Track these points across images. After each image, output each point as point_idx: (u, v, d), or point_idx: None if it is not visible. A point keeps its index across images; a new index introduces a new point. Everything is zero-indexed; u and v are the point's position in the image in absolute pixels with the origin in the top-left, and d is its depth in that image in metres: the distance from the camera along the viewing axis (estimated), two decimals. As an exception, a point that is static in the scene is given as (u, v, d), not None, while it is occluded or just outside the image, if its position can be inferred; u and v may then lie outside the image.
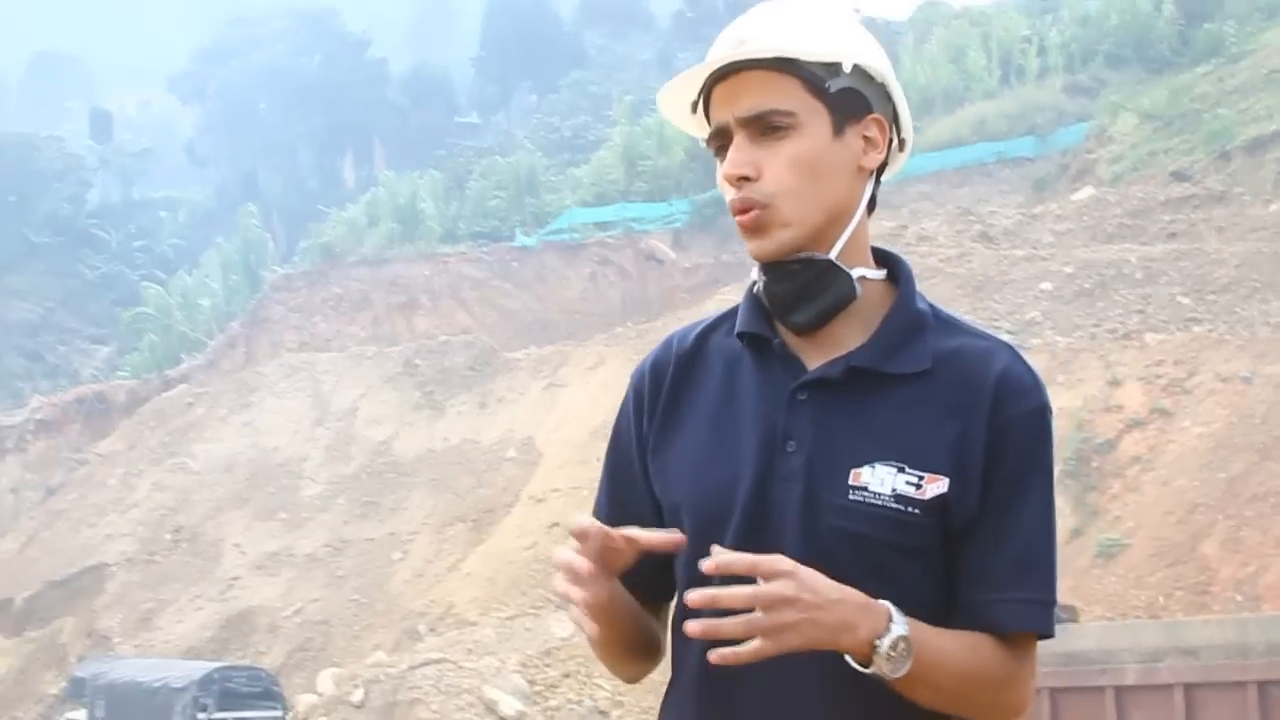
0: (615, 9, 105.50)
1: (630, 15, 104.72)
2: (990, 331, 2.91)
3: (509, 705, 26.92)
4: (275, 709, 29.11)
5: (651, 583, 2.95)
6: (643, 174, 64.26)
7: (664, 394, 2.99)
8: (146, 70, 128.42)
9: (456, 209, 66.24)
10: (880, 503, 2.72)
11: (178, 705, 29.03)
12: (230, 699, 28.98)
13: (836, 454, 2.76)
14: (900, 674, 2.59)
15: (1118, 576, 25.20)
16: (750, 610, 2.51)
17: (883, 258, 2.93)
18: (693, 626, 2.54)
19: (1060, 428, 27.47)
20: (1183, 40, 59.95)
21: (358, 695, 27.76)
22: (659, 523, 2.91)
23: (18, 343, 79.43)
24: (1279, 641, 16.37)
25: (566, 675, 28.53)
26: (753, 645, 2.51)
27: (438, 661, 28.10)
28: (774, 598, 2.50)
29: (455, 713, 26.65)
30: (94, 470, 45.93)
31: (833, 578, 2.61)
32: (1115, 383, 29.60)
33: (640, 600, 2.96)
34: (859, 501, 2.72)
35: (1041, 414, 2.78)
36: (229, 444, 43.02)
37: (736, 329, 2.94)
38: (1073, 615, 20.73)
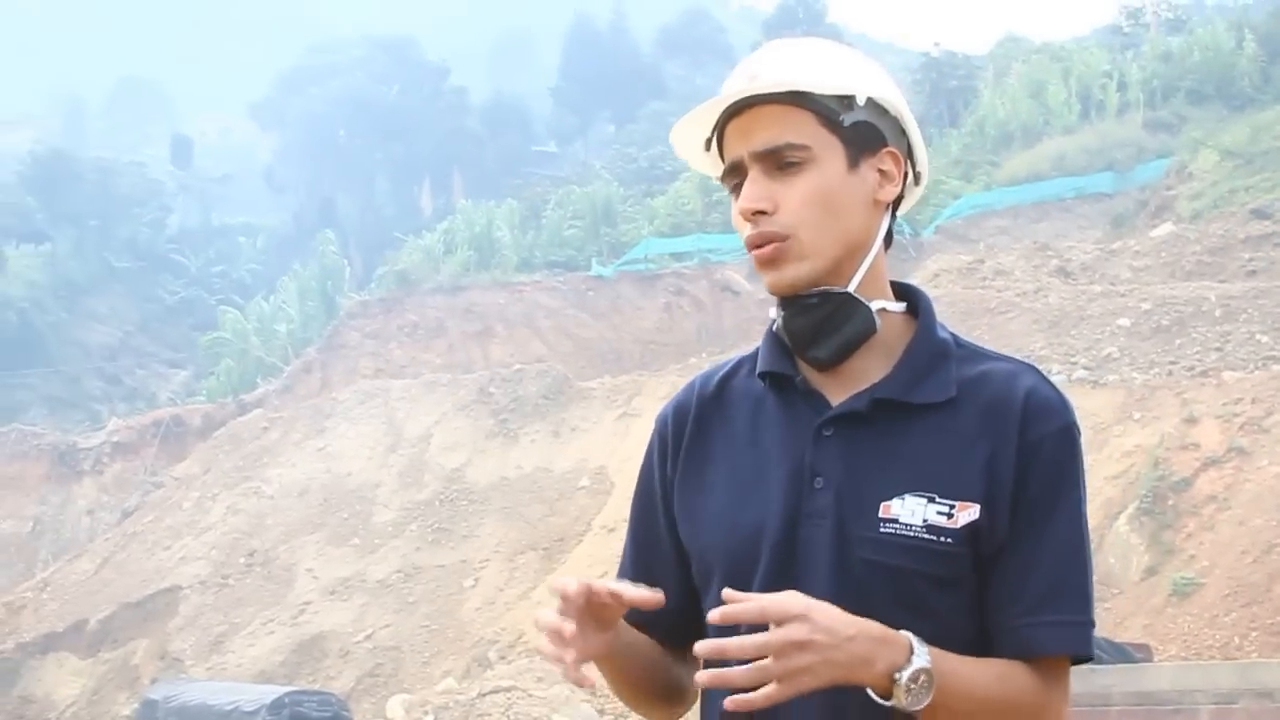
0: (694, 40, 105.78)
1: (709, 46, 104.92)
2: (1013, 355, 2.90)
3: (578, 735, 26.89)
4: (345, 734, 29.19)
5: (674, 628, 2.96)
6: (719, 205, 64.24)
7: (686, 439, 3.00)
8: (227, 97, 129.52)
9: (533, 238, 66.42)
10: (912, 534, 2.71)
11: (248, 729, 29.15)
12: (300, 723, 29.08)
13: (865, 488, 2.75)
14: (921, 706, 2.57)
15: (1192, 616, 24.99)
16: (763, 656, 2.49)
17: (902, 291, 2.93)
18: (702, 678, 2.55)
19: (1136, 465, 27.38)
20: (1265, 78, 59.67)
21: (427, 722, 27.80)
22: (685, 570, 2.94)
23: (96, 366, 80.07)
24: None
25: (636, 705, 28.47)
26: (766, 691, 2.49)
27: (507, 689, 28.10)
28: (785, 643, 2.49)
29: (524, 741, 26.66)
30: (169, 493, 46.20)
31: (866, 613, 2.60)
32: (1192, 420, 29.36)
33: (669, 647, 2.98)
34: (890, 534, 2.71)
35: (1069, 433, 2.76)
36: (303, 469, 43.19)
37: (758, 369, 2.94)
38: (1147, 655, 20.56)
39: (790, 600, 2.51)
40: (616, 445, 37.88)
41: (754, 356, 2.97)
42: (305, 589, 38.22)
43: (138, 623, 40.00)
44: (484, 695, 27.90)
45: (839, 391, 2.83)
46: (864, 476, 2.75)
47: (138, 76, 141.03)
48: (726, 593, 2.57)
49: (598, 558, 33.42)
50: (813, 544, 2.76)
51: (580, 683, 2.77)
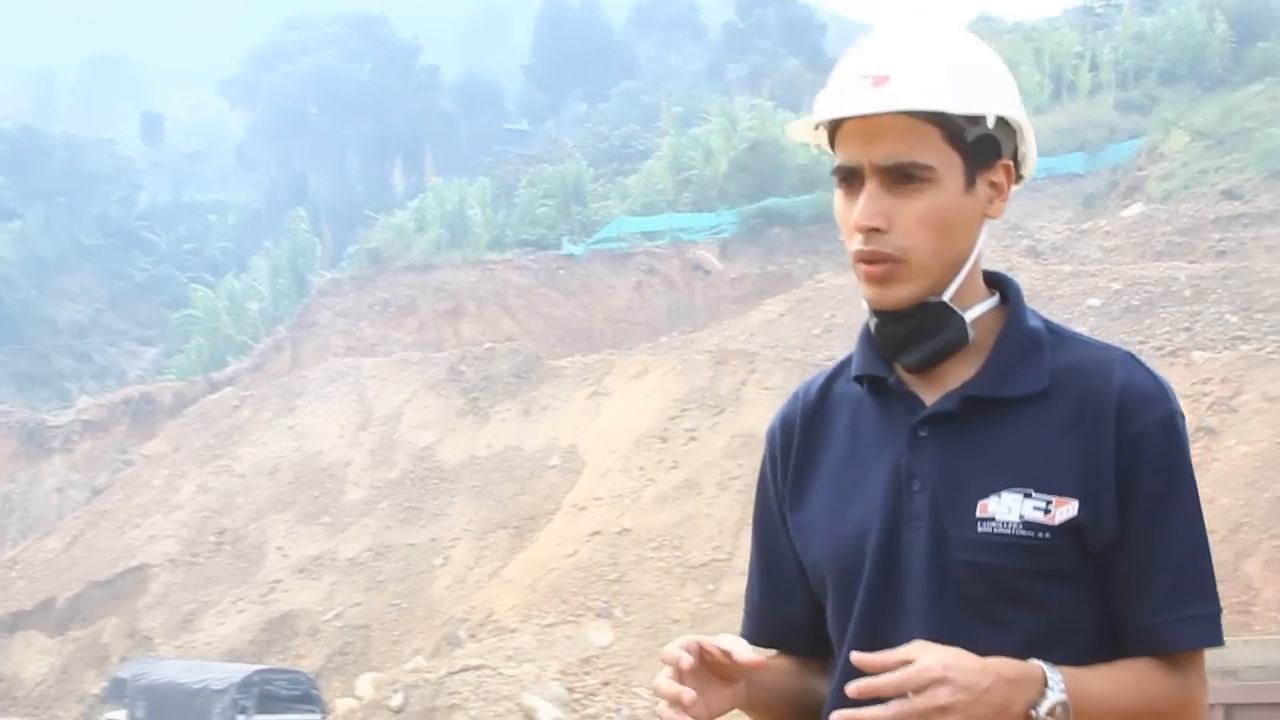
0: (667, 19, 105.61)
1: (682, 25, 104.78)
2: (1110, 343, 2.85)
3: (547, 712, 26.91)
4: (314, 712, 29.18)
5: (807, 641, 2.95)
6: (690, 184, 64.23)
7: (794, 449, 2.97)
8: (198, 74, 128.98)
9: (504, 216, 66.30)
10: (1009, 531, 2.67)
11: (217, 707, 29.11)
12: (270, 702, 29.05)
13: (961, 487, 2.72)
14: None
15: (1161, 595, 25.06)
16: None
17: (993, 280, 2.88)
18: None
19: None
20: (1236, 59, 59.80)
21: (397, 700, 27.80)
22: (806, 581, 2.91)
23: (66, 343, 79.81)
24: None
25: (605, 683, 28.51)
26: None
27: (477, 668, 28.12)
28: (928, 709, 2.48)
29: (493, 719, 26.67)
30: (139, 471, 46.12)
31: (970, 614, 2.63)
32: (1161, 401, 29.42)
33: (805, 658, 2.96)
34: (987, 533, 2.68)
35: (1171, 421, 2.72)
36: (273, 447, 43.13)
37: (853, 372, 2.90)
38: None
39: (927, 666, 2.49)
40: (587, 424, 37.88)
41: (851, 360, 2.93)
42: (275, 567, 38.19)
43: (107, 601, 39.93)
44: (453, 674, 27.91)
45: (933, 391, 2.79)
46: (959, 477, 2.72)
47: (108, 53, 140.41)
48: (856, 657, 2.56)
49: (568, 536, 33.44)
50: (913, 548, 2.74)
51: None
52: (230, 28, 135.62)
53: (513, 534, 35.46)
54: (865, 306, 2.84)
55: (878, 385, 2.85)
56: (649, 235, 60.77)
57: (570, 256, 59.49)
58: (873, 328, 2.84)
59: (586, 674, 28.73)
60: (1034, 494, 2.67)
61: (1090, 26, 74.01)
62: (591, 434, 37.29)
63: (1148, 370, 2.77)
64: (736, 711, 2.83)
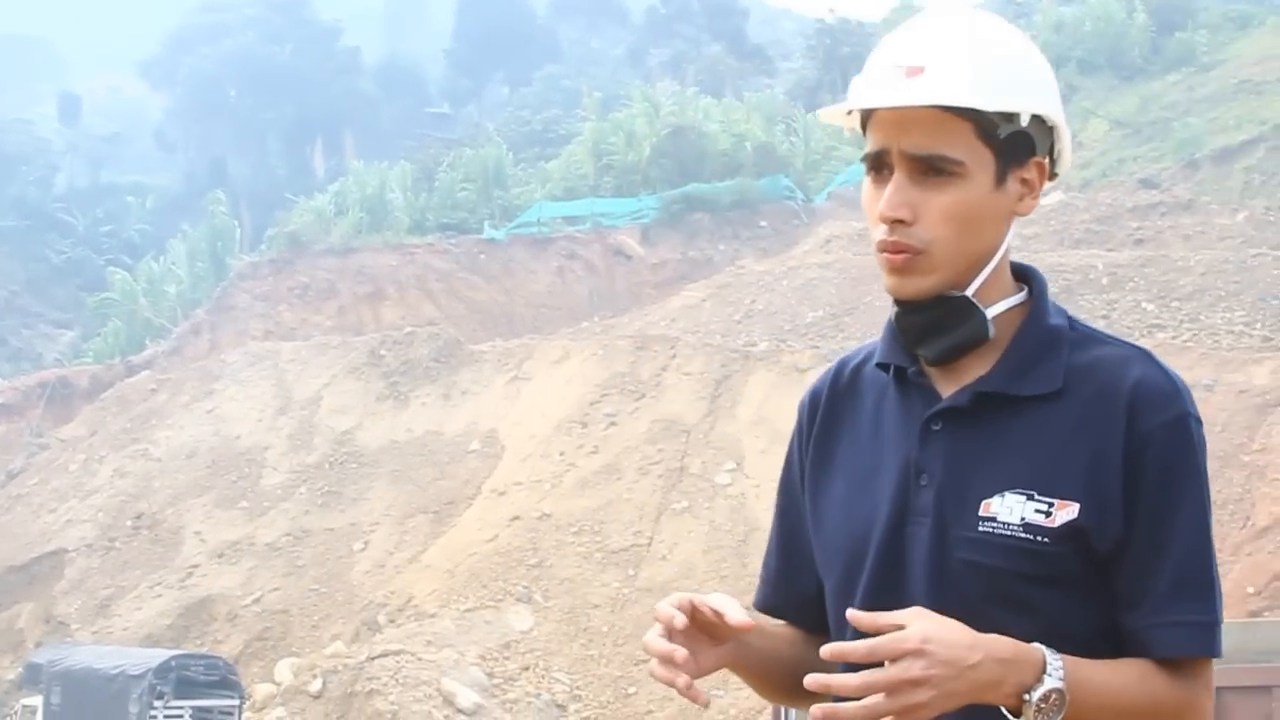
0: (590, 4, 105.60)
1: (604, 10, 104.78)
2: (1130, 341, 2.80)
3: (467, 697, 26.89)
4: (233, 698, 29.01)
5: (815, 614, 2.93)
6: (612, 169, 64.24)
7: (817, 426, 2.95)
8: (116, 55, 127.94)
9: (425, 200, 66.10)
10: (1009, 533, 2.65)
11: (134, 693, 28.90)
12: (187, 687, 28.86)
13: (967, 485, 2.70)
14: None
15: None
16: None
17: (1021, 273, 2.85)
18: (815, 712, 2.49)
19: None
20: (1154, 49, 60.27)
21: (315, 685, 27.71)
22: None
23: (-19, 325, 79.10)
24: (1232, 649, 16.30)
25: (525, 668, 28.52)
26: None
27: (396, 653, 28.05)
28: (898, 682, 2.45)
29: (413, 704, 26.62)
30: (55, 455, 45.75)
31: (966, 614, 2.57)
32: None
33: (809, 631, 2.95)
34: (988, 533, 2.66)
35: (1183, 422, 2.66)
36: (191, 431, 42.86)
37: (876, 359, 2.88)
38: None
39: (906, 636, 2.46)
40: (507, 409, 37.84)
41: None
42: (193, 552, 37.97)
43: (22, 586, 39.60)
44: (373, 659, 27.84)
45: (952, 385, 2.77)
46: (966, 474, 2.70)
47: (25, 34, 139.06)
48: (851, 615, 2.54)
49: (487, 521, 33.42)
50: (915, 543, 2.73)
51: (695, 700, 2.68)
52: (149, 8, 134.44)
53: (432, 519, 35.39)
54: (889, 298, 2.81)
55: (899, 374, 2.84)
56: (570, 220, 60.75)
57: (491, 241, 59.37)
58: (893, 317, 2.82)
59: (506, 659, 28.73)
60: (1037, 496, 2.65)
61: (1011, 15, 74.21)
62: (512, 419, 37.25)
63: (1163, 370, 2.71)
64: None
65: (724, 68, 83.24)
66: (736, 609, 2.68)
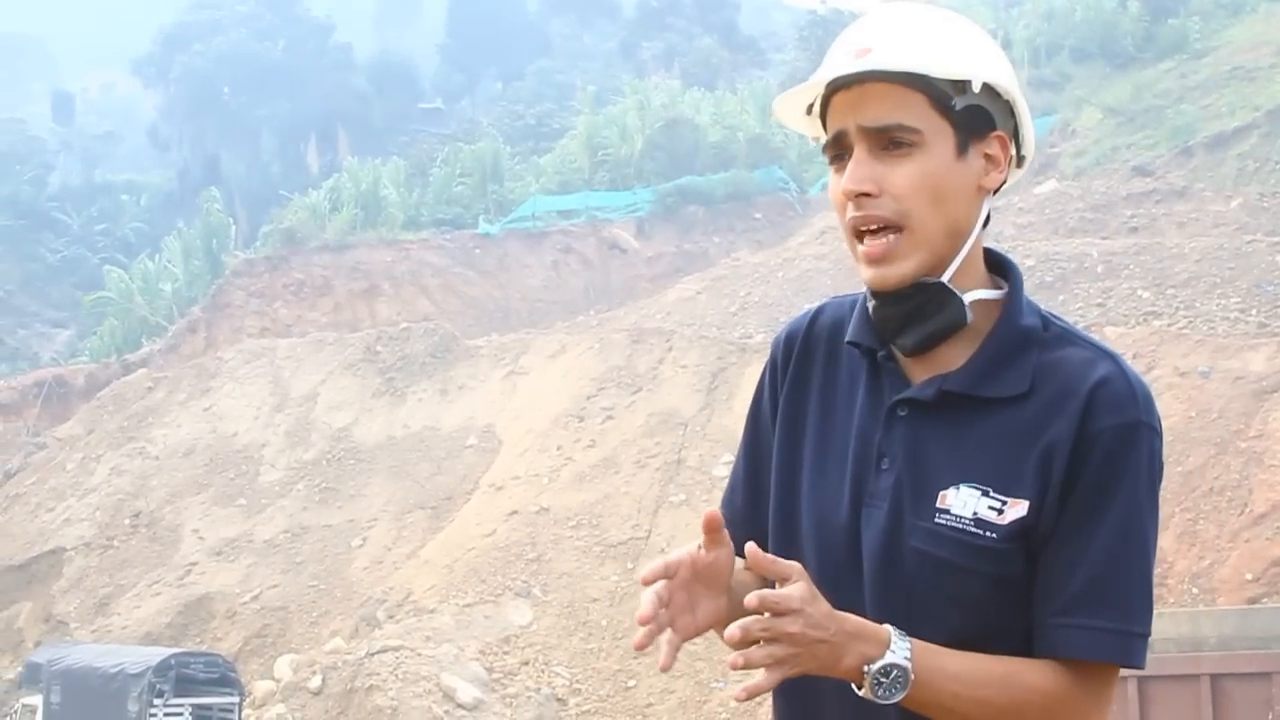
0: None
1: (596, 4, 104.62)
2: (1101, 342, 2.79)
3: (467, 692, 26.89)
4: (232, 695, 28.99)
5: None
6: (606, 163, 64.24)
7: (791, 369, 2.95)
8: (109, 53, 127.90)
9: (419, 196, 66.09)
10: (960, 526, 2.66)
11: (134, 691, 28.89)
12: (187, 685, 28.85)
13: (926, 475, 2.71)
14: (892, 700, 2.56)
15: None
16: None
17: (997, 263, 2.85)
18: (735, 660, 2.53)
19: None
20: (1147, 36, 60.19)
21: (315, 682, 27.71)
22: None
23: (-24, 326, 79.02)
24: (1231, 635, 16.44)
25: (525, 663, 28.52)
26: (760, 676, 2.52)
27: (396, 648, 28.06)
28: (774, 634, 2.49)
29: (413, 700, 26.62)
30: (52, 454, 45.72)
31: (912, 603, 2.64)
32: (1075, 376, 29.61)
33: None
34: (942, 525, 2.67)
35: (1134, 429, 2.65)
36: (188, 429, 42.85)
37: (848, 337, 2.88)
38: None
39: (789, 594, 2.50)
40: (504, 403, 37.83)
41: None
42: (191, 550, 37.97)
43: (21, 585, 39.59)
44: (372, 655, 27.85)
45: (923, 372, 2.78)
46: (926, 464, 2.72)
47: (19, 32, 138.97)
48: (750, 548, 2.56)
49: (485, 516, 33.41)
50: (870, 526, 2.75)
51: (667, 668, 2.70)
52: (142, 6, 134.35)
53: (430, 514, 35.39)
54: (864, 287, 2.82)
55: (871, 353, 2.84)
56: (565, 214, 60.74)
57: (486, 236, 59.36)
58: (870, 310, 2.82)
59: (506, 653, 28.72)
60: (992, 493, 2.66)
61: (1002, 4, 74.37)
62: (509, 413, 37.25)
63: (1127, 375, 2.71)
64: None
65: (716, 60, 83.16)
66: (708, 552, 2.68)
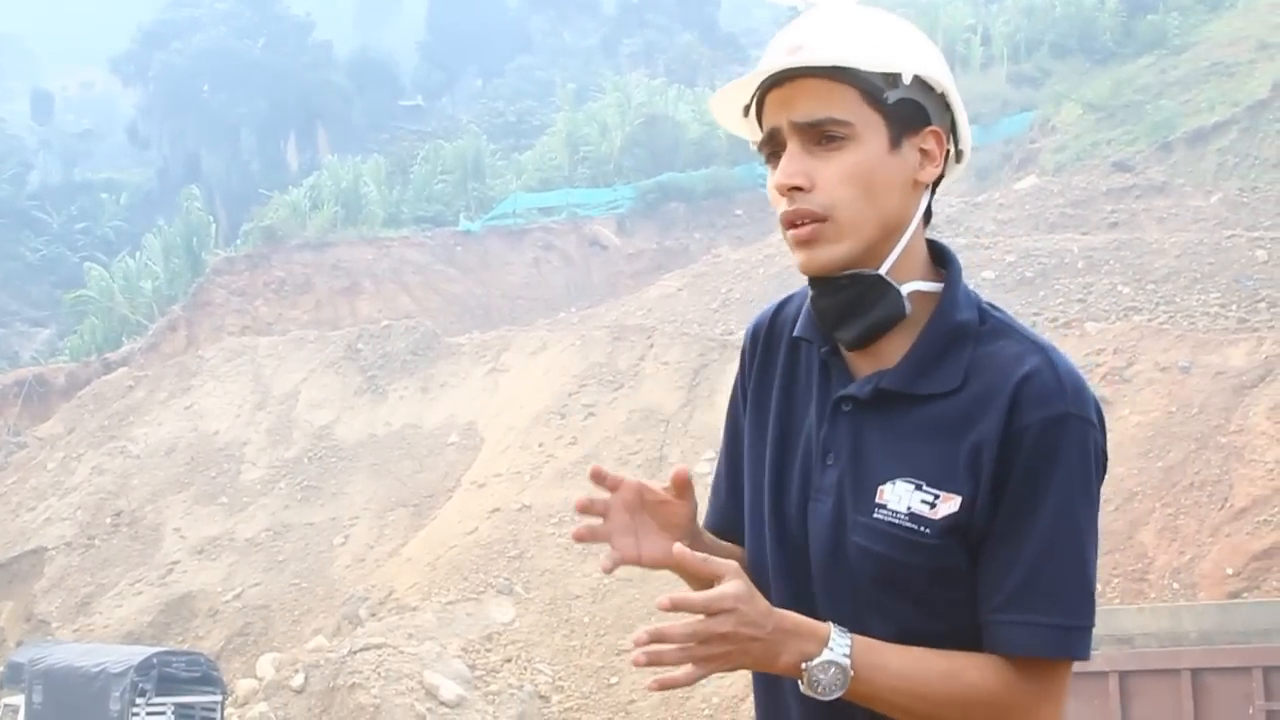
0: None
1: (576, 1, 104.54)
2: (1035, 335, 2.81)
3: (449, 690, 26.89)
4: (215, 694, 28.95)
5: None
6: (586, 160, 64.25)
7: (757, 360, 2.99)
8: (88, 51, 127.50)
9: (400, 193, 66.00)
10: (896, 521, 2.68)
11: (116, 690, 28.85)
12: (169, 684, 28.81)
13: (867, 470, 2.73)
14: (831, 696, 2.58)
15: (1057, 564, 25.25)
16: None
17: (940, 256, 2.90)
18: (639, 659, 2.54)
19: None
20: (1126, 32, 60.35)
21: (298, 680, 27.70)
22: None
23: (-44, 325, 78.83)
24: (1212, 630, 16.48)
25: (507, 660, 28.52)
26: (684, 669, 2.53)
27: (378, 646, 28.05)
28: (708, 633, 2.51)
29: (396, 697, 26.61)
30: (33, 453, 45.64)
31: (856, 597, 2.67)
32: (1056, 371, 29.65)
33: None
34: (879, 520, 2.69)
35: (1063, 422, 2.66)
36: (169, 428, 42.78)
37: (795, 332, 2.92)
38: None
39: (723, 594, 2.52)
40: (485, 401, 37.83)
41: None
42: (173, 548, 37.92)
43: (2, 585, 39.51)
44: (355, 653, 27.85)
45: (867, 366, 2.80)
46: (867, 459, 2.74)
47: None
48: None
49: (467, 513, 33.40)
50: (816, 519, 2.77)
51: (608, 570, 2.78)
52: (120, 4, 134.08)
53: (412, 512, 35.38)
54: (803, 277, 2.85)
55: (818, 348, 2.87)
56: (546, 211, 60.74)
57: (467, 233, 59.34)
58: (809, 301, 2.85)
59: (488, 651, 28.73)
60: (925, 487, 2.67)
61: (982, 0, 74.43)
62: (490, 411, 37.24)
63: (1058, 369, 2.71)
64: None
65: (696, 57, 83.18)
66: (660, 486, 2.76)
